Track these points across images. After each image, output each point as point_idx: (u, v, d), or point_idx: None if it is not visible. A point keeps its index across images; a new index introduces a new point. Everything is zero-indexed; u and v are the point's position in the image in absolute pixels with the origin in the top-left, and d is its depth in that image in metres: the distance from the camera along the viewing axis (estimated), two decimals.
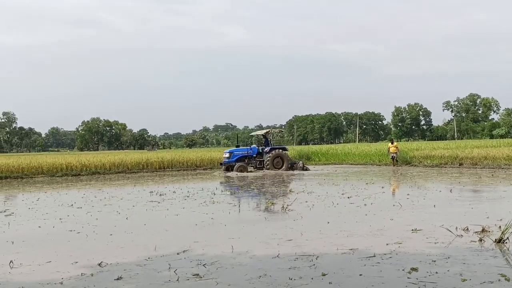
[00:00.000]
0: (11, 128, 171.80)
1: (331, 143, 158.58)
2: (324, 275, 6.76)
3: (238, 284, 6.49)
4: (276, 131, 34.44)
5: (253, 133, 41.22)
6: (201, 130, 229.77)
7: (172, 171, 37.00)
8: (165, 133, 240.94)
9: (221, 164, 34.06)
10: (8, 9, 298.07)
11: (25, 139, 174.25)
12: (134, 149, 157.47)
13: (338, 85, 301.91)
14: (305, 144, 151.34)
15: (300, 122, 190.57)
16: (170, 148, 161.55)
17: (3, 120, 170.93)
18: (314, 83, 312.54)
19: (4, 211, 14.75)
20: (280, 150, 31.73)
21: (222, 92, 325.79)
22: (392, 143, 35.75)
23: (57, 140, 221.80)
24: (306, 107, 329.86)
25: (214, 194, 18.02)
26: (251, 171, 31.14)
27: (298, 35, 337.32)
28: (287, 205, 13.87)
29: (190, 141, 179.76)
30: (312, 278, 6.60)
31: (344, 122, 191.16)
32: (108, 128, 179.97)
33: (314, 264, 7.34)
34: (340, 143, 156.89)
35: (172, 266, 7.44)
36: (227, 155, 32.52)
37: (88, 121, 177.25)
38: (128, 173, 35.32)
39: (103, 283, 6.65)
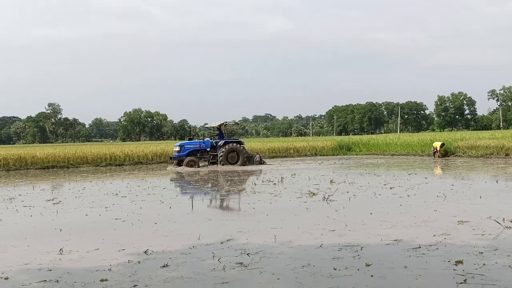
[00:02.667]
0: (56, 119, 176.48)
1: (372, 133, 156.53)
2: (368, 265, 6.71)
3: (281, 273, 6.51)
4: (231, 123, 31.66)
5: (207, 125, 37.35)
6: (240, 120, 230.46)
7: None
8: (205, 123, 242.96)
9: (171, 158, 31.54)
10: (54, 3, 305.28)
11: (69, 130, 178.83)
12: (175, 140, 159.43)
13: (379, 74, 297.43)
14: (345, 135, 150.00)
15: (340, 112, 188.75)
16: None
17: (48, 111, 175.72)
18: (355, 72, 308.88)
19: (52, 200, 15.19)
20: (235, 144, 29.31)
21: (261, 83, 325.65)
22: (441, 147, 33.51)
23: (100, 130, 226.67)
24: (346, 97, 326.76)
25: (255, 184, 18.08)
26: (205, 166, 28.91)
27: (341, 25, 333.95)
28: (329, 195, 13.80)
29: (230, 132, 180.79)
30: (358, 269, 6.56)
31: (385, 112, 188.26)
32: (149, 119, 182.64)
33: (358, 255, 7.30)
34: (381, 133, 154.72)
35: (216, 255, 7.53)
36: (178, 148, 29.94)
37: (130, 112, 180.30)
38: (170, 163, 35.77)
39: (149, 271, 6.78)
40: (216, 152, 29.23)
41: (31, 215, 12.15)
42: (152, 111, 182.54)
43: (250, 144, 44.69)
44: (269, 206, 12.71)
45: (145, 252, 7.81)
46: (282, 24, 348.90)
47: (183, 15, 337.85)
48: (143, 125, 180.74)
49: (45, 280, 6.42)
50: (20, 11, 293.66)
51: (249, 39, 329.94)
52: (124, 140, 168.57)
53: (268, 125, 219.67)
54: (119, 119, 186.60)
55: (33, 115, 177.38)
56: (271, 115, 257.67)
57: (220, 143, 29.33)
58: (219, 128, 30.51)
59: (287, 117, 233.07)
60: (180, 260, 7.33)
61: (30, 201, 14.74)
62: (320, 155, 41.12)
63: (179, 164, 29.41)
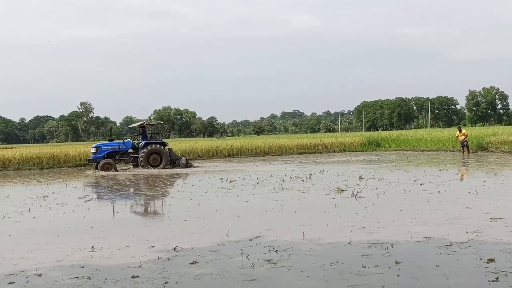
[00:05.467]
0: (88, 117, 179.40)
1: (401, 129, 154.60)
2: (398, 263, 6.64)
3: (310, 271, 6.49)
4: (153, 122, 29.99)
5: (131, 125, 34.16)
6: (268, 117, 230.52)
7: (241, 158, 37.41)
8: (233, 120, 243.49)
9: (87, 160, 28.77)
10: (83, 3, 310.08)
11: (101, 128, 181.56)
12: (204, 137, 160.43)
13: (408, 69, 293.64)
14: (374, 130, 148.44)
15: (368, 107, 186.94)
16: (239, 135, 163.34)
17: (80, 110, 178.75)
18: (384, 68, 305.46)
19: (84, 197, 15.46)
20: (158, 145, 27.00)
21: (289, 79, 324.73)
22: (460, 131, 33.49)
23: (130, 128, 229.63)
24: (375, 92, 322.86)
25: (283, 181, 18.06)
26: (127, 169, 27.05)
27: (368, 20, 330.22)
28: (357, 192, 13.70)
29: (258, 128, 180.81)
30: (389, 267, 6.49)
31: (415, 107, 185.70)
32: (178, 117, 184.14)
33: (388, 252, 7.22)
34: (411, 129, 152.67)
35: (245, 252, 7.55)
36: (94, 150, 27.36)
37: (159, 110, 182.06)
38: (199, 160, 36.02)
39: (179, 267, 6.85)
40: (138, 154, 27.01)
41: (63, 213, 12.39)
42: (181, 108, 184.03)
43: (279, 140, 44.70)
44: (297, 202, 12.68)
45: (174, 249, 7.89)
46: (309, 21, 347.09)
47: (210, 12, 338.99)
48: (172, 123, 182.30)
49: (77, 277, 6.54)
50: (51, 12, 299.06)
51: (276, 36, 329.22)
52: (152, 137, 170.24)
53: (296, 122, 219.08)
54: (149, 117, 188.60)
55: (66, 114, 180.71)
56: (299, 111, 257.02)
57: (140, 144, 27.20)
58: (143, 127, 28.47)
59: (315, 113, 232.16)
60: (209, 257, 7.38)
61: (63, 199, 15.02)
62: (349, 151, 40.82)
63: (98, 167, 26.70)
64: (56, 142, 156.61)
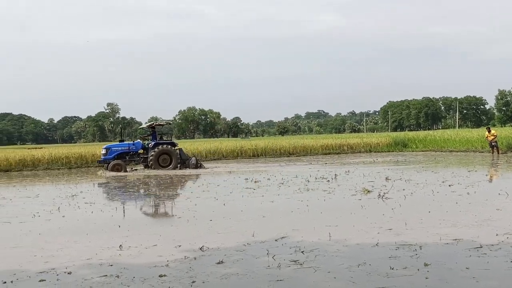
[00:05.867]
0: (115, 118, 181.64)
1: (429, 129, 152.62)
2: (427, 265, 6.55)
3: (337, 272, 6.45)
4: (162, 123, 29.96)
5: (142, 126, 33.49)
6: (293, 117, 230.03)
7: (266, 158, 37.42)
8: (258, 120, 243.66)
9: (98, 162, 28.88)
10: (109, 5, 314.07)
11: (127, 128, 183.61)
12: (228, 137, 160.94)
13: (436, 69, 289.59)
14: (401, 131, 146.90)
15: (395, 107, 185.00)
16: (263, 136, 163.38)
17: (107, 111, 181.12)
18: (410, 67, 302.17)
19: (111, 197, 15.65)
20: (168, 146, 26.90)
21: (314, 79, 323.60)
22: (489, 132, 32.83)
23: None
24: (401, 92, 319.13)
25: (308, 181, 17.99)
26: (135, 170, 27.09)
27: (395, 19, 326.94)
28: (384, 193, 13.57)
29: (283, 129, 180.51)
30: (418, 269, 6.41)
31: (443, 107, 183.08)
32: (203, 117, 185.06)
33: (416, 254, 7.13)
34: (439, 129, 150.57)
35: (271, 252, 7.54)
36: (104, 151, 27.65)
37: (184, 110, 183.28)
38: (223, 161, 36.18)
39: (205, 267, 6.88)
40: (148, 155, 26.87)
41: (91, 212, 12.56)
42: (206, 109, 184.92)
43: (303, 141, 44.58)
44: (323, 203, 12.62)
45: (200, 249, 7.92)
46: (334, 20, 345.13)
47: (235, 13, 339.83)
48: (197, 123, 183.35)
49: (106, 275, 6.62)
50: (78, 14, 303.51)
51: (301, 35, 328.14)
52: (179, 138, 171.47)
53: (321, 122, 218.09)
54: (174, 117, 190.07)
55: (93, 114, 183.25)
56: (323, 112, 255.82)
57: (150, 145, 27.26)
58: (153, 128, 28.39)
59: (340, 114, 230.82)
60: (235, 257, 7.40)
61: (91, 198, 15.24)
62: (375, 152, 40.48)
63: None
64: (84, 142, 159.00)
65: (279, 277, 6.30)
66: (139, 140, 29.17)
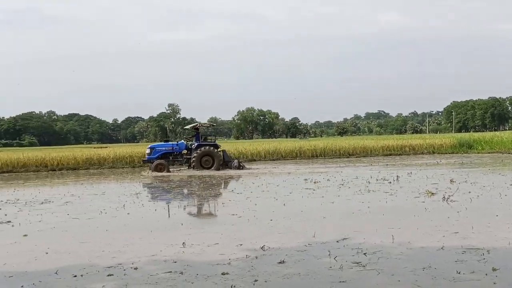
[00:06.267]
0: (175, 118, 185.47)
1: (495, 130, 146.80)
2: (495, 270, 6.33)
3: (401, 275, 6.34)
4: (206, 124, 29.91)
5: (186, 127, 34.13)
6: (352, 118, 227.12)
7: (325, 159, 37.17)
8: (316, 121, 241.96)
9: (143, 161, 29.55)
10: (173, 7, 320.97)
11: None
12: (286, 138, 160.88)
13: (503, 67, 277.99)
14: (465, 132, 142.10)
15: (459, 108, 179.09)
16: (321, 136, 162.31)
17: (168, 112, 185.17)
18: (475, 66, 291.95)
19: (174, 195, 16.00)
20: (210, 147, 27.01)
21: (373, 79, 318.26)
22: None
23: (215, 129, 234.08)
24: (465, 92, 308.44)
25: (369, 182, 17.74)
26: (179, 170, 27.23)
27: (460, 17, 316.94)
28: (449, 195, 13.18)
29: (341, 129, 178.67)
30: (486, 274, 6.20)
31: (510, 107, 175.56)
32: (261, 117, 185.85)
33: (484, 258, 6.90)
34: (506, 130, 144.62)
35: (332, 253, 7.50)
36: (148, 151, 28.04)
37: (243, 111, 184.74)
38: (282, 161, 36.23)
39: (267, 266, 6.92)
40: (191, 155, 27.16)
41: (155, 210, 12.91)
42: (264, 109, 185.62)
43: (363, 141, 43.95)
44: (384, 205, 12.41)
45: (261, 248, 7.98)
46: (395, 18, 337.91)
47: (294, 13, 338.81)
48: (255, 124, 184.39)
49: (171, 272, 6.79)
50: (140, 16, 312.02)
51: (361, 35, 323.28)
52: (237, 138, 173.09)
53: (381, 122, 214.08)
54: (233, 117, 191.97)
55: (155, 115, 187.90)
56: (384, 112, 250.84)
57: (193, 146, 27.57)
58: (197, 129, 28.64)
59: (401, 114, 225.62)
60: (296, 257, 7.40)
61: (154, 196, 15.64)
62: (438, 153, 39.34)
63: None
64: (146, 142, 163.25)
65: (342, 279, 6.26)
66: (183, 140, 29.63)
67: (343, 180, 19.03)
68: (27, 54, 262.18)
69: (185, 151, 27.80)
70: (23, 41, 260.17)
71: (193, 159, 26.70)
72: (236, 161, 27.98)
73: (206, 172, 25.48)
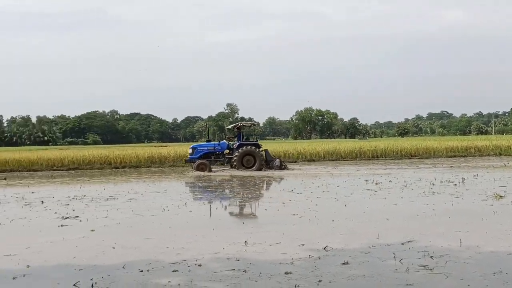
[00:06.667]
0: (234, 118, 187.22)
1: None
2: None
3: (471, 280, 6.12)
4: (247, 124, 29.54)
5: (228, 127, 33.48)
6: (413, 118, 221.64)
7: (386, 160, 36.45)
8: (376, 121, 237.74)
9: (185, 161, 29.74)
10: (229, 8, 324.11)
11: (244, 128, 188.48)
12: (345, 138, 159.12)
13: None
14: None
15: None
16: (381, 137, 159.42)
17: (227, 111, 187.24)
18: None
19: (234, 194, 16.14)
20: (252, 147, 26.95)
21: (437, 78, 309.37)
22: None
23: (273, 129, 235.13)
24: None
25: (433, 184, 17.24)
26: (222, 170, 27.20)
27: None
28: None
29: (402, 130, 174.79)
30: None
31: None
32: (320, 117, 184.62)
33: None
34: None
35: (397, 256, 7.33)
36: (191, 150, 28.36)
37: (301, 111, 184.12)
38: (341, 161, 35.83)
39: (330, 267, 6.85)
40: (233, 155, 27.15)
41: (216, 208, 13.07)
42: (323, 109, 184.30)
43: (426, 142, 42.82)
44: (450, 207, 12.03)
45: (324, 249, 7.91)
46: (458, 15, 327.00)
47: (351, 12, 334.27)
48: (313, 124, 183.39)
49: (234, 269, 6.84)
50: (197, 18, 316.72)
51: (421, 31, 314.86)
52: (295, 138, 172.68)
53: (444, 123, 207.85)
54: (291, 117, 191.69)
55: (213, 115, 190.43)
56: (447, 112, 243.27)
57: (234, 145, 27.58)
58: (239, 128, 28.56)
59: (465, 114, 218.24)
60: (360, 258, 7.28)
61: (215, 195, 15.82)
62: (505, 155, 37.73)
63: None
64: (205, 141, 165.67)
65: (408, 281, 6.11)
66: (224, 140, 29.70)
67: (405, 181, 18.60)
68: (91, 54, 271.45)
69: (227, 151, 28.00)
70: (88, 41, 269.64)
71: (235, 158, 26.79)
72: (277, 160, 27.86)
73: (248, 172, 25.54)
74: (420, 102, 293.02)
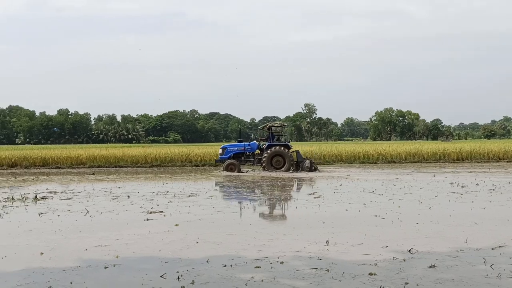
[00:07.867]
0: (311, 118, 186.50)
1: None
2: None
3: None
4: (277, 124, 28.64)
5: (259, 127, 32.40)
6: (501, 120, 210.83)
7: (471, 162, 34.91)
8: (461, 123, 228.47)
9: (216, 161, 29.90)
10: (308, 8, 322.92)
11: (323, 129, 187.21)
12: (427, 140, 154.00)
13: None
14: None
15: None
16: (466, 139, 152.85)
17: (304, 111, 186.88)
18: None
19: (313, 194, 16.05)
20: (281, 148, 26.49)
21: None
22: None
23: (351, 130, 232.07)
24: None
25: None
26: (252, 170, 26.94)
27: None
28: None
29: (489, 132, 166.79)
30: None
31: None
32: (400, 118, 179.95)
33: None
34: None
35: (488, 261, 6.99)
36: (221, 151, 28.34)
37: (381, 111, 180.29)
38: (424, 163, 34.71)
39: (416, 270, 6.64)
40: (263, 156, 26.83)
41: (295, 207, 13.04)
42: (404, 110, 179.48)
43: (505, 145, 40.60)
44: None
45: (409, 251, 7.69)
46: None
47: (435, 10, 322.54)
48: (394, 124, 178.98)
49: (316, 268, 6.79)
50: (279, 18, 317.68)
51: (509, 29, 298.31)
52: (374, 139, 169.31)
53: None
54: (370, 118, 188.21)
55: (291, 115, 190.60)
56: None
57: (264, 146, 27.17)
58: (269, 129, 27.86)
59: None
60: (448, 262, 7.01)
61: (294, 194, 15.81)
62: None
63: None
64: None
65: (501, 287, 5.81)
66: (255, 141, 29.50)
67: (494, 185, 17.72)
68: (173, 56, 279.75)
69: (257, 151, 27.88)
70: (171, 44, 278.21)
71: (263, 159, 26.63)
72: (308, 161, 27.27)
73: (281, 173, 25.27)
74: (509, 103, 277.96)
